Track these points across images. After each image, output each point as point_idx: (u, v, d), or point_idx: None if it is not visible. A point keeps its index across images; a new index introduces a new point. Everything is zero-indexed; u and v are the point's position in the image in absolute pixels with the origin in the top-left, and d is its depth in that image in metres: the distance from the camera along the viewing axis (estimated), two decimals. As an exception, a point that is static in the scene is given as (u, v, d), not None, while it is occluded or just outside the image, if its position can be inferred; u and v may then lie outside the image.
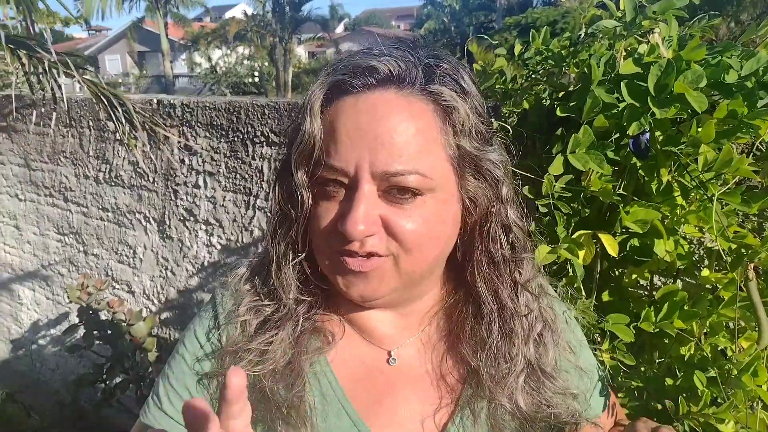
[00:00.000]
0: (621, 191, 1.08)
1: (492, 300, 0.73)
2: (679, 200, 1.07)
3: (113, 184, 2.60)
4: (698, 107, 0.91)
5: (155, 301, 2.68)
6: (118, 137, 2.44)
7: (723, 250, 0.88)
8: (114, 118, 2.23)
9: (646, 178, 1.05)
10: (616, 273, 1.28)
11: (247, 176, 2.08)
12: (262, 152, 2.01)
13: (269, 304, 0.74)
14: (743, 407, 0.98)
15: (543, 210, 1.03)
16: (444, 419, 0.73)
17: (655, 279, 1.36)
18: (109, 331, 2.51)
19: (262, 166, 2.03)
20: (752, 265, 0.84)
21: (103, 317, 2.58)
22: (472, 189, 0.68)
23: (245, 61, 24.95)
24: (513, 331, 0.72)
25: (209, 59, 26.62)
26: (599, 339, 1.07)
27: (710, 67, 0.96)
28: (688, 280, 1.28)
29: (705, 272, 1.13)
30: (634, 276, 1.22)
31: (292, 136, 0.69)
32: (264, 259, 0.78)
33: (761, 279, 0.97)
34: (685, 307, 0.97)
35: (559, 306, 0.85)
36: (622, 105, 1.01)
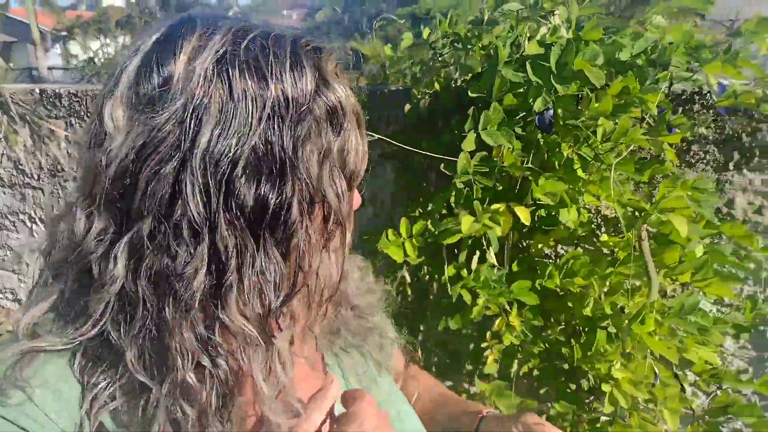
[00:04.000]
0: (530, 165, 1.15)
1: None
2: (580, 172, 1.16)
3: (-10, 183, 2.36)
4: (597, 82, 0.98)
5: (47, 309, 2.47)
6: (-7, 132, 2.21)
7: (619, 216, 0.97)
8: (-13, 111, 2.01)
9: (550, 153, 1.12)
10: (524, 244, 1.36)
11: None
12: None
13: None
14: (640, 355, 1.08)
15: (460, 186, 1.07)
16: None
17: (560, 249, 1.46)
18: (-5, 345, 2.28)
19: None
20: (644, 227, 0.93)
21: (-14, 330, 2.34)
22: None
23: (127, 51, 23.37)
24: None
25: (87, 49, 24.71)
26: (508, 308, 1.13)
27: (606, 46, 1.04)
28: (587, 246, 1.38)
29: (604, 237, 1.23)
30: (540, 245, 1.30)
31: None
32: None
33: (652, 240, 1.07)
34: (585, 268, 1.05)
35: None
36: (528, 83, 1.07)
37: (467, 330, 1.44)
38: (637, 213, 0.94)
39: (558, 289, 1.20)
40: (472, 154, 1.09)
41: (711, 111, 1.18)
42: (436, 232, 1.09)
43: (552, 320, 1.38)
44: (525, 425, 0.72)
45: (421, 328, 1.54)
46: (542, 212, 1.25)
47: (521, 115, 1.08)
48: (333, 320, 0.71)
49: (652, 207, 0.90)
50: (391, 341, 0.78)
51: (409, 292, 1.35)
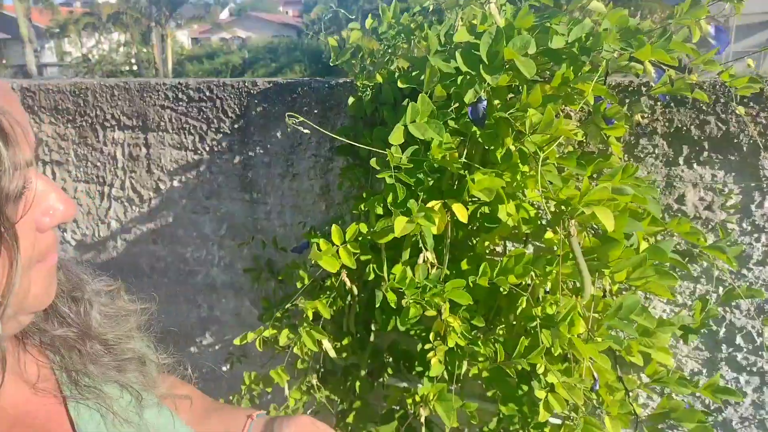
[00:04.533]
0: (466, 160, 1.09)
1: None
2: (522, 167, 1.11)
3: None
4: (527, 72, 0.93)
5: None
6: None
7: (547, 210, 0.92)
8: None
9: (490, 147, 1.07)
10: (474, 242, 1.32)
11: (99, 164, 1.92)
12: (113, 137, 1.86)
13: None
14: (581, 357, 1.03)
15: (390, 182, 1.02)
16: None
17: (510, 246, 1.41)
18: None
19: (115, 152, 1.88)
20: (573, 221, 0.88)
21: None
22: None
23: (121, 48, 23.30)
24: None
25: (81, 46, 24.61)
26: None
27: (540, 34, 0.99)
28: (537, 244, 1.33)
29: (548, 234, 1.18)
30: (486, 243, 1.25)
31: None
32: None
33: (587, 235, 1.02)
34: (522, 265, 1.00)
35: None
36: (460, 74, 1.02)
37: (416, 330, 1.40)
38: (563, 206, 0.89)
39: (502, 288, 1.15)
40: (404, 148, 1.04)
41: (657, 101, 1.12)
42: (368, 236, 1.04)
43: (502, 320, 1.34)
44: (297, 426, 0.74)
45: (373, 328, 1.50)
46: (486, 209, 1.20)
47: (453, 106, 1.03)
48: (77, 359, 0.66)
49: (576, 200, 0.85)
50: (156, 366, 0.74)
51: (356, 291, 1.30)
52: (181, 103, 1.72)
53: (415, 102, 1.07)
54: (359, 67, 1.40)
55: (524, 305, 1.05)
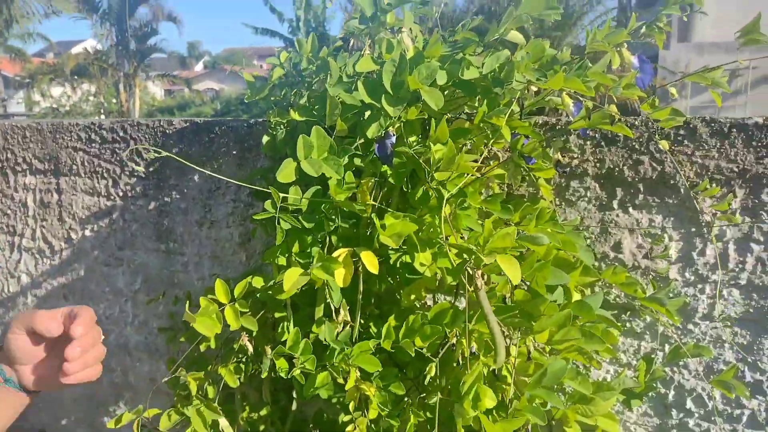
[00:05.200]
0: (380, 203, 0.98)
1: None
2: (447, 209, 0.99)
3: None
4: (434, 104, 0.83)
5: None
6: None
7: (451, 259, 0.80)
8: None
9: (399, 186, 0.96)
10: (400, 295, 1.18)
11: (9, 212, 1.76)
12: (25, 182, 1.71)
13: None
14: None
15: (286, 226, 0.89)
16: None
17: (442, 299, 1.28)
18: None
19: (26, 198, 1.72)
20: (480, 272, 0.76)
21: None
22: None
23: (91, 98, 23.17)
24: None
25: (50, 96, 24.46)
26: (358, 375, 0.94)
27: (452, 64, 0.89)
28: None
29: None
30: (413, 296, 1.12)
31: None
32: None
33: (501, 290, 0.90)
34: (429, 326, 0.87)
35: None
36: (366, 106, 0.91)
37: (338, 398, 1.24)
38: (466, 254, 0.77)
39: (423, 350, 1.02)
40: (305, 188, 0.93)
41: (586, 141, 1.03)
42: (258, 295, 0.90)
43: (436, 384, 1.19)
44: None
45: (294, 395, 1.33)
46: (407, 258, 1.08)
47: (360, 142, 0.92)
48: None
49: (478, 248, 0.73)
50: None
51: (269, 353, 1.15)
52: (94, 144, 1.58)
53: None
54: (274, 104, 1.29)
55: (432, 372, 0.91)
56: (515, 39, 0.92)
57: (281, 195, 0.84)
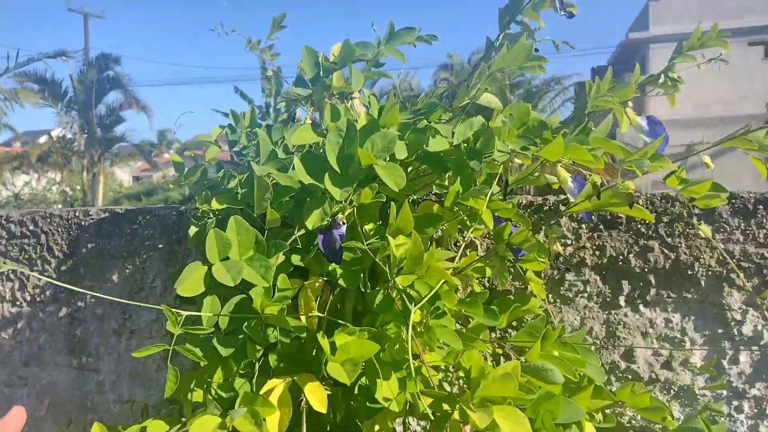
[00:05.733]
0: (329, 315, 0.76)
1: None
2: (416, 316, 0.77)
3: None
4: (393, 184, 0.64)
5: None
6: None
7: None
8: None
9: (353, 290, 0.74)
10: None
11: None
12: None
13: None
14: None
15: (196, 357, 0.66)
16: None
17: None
18: None
19: None
20: (466, 427, 0.54)
21: None
22: None
23: (54, 187, 22.79)
24: None
25: (13, 185, 24.03)
26: None
27: (415, 133, 0.71)
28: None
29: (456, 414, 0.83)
30: (376, 427, 0.87)
31: None
32: None
33: None
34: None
35: None
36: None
37: None
38: (447, 404, 0.55)
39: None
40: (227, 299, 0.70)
41: (580, 223, 0.85)
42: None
43: None
44: None
45: None
46: (364, 380, 0.85)
47: (299, 234, 0.71)
48: None
49: (465, 397, 0.51)
50: None
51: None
52: (1, 240, 1.34)
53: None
54: (209, 188, 1.09)
55: None
56: (490, 103, 0.75)
57: (184, 313, 0.62)
